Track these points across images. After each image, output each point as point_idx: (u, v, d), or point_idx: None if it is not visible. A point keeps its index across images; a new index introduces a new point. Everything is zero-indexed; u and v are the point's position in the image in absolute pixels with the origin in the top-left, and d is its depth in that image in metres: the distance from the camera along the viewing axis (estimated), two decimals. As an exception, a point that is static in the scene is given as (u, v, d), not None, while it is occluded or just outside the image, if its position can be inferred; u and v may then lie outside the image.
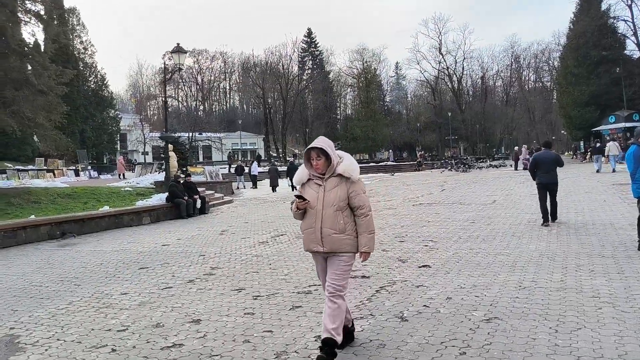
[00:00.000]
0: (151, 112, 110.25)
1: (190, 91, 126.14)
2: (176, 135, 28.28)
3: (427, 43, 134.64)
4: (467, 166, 38.39)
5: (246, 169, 30.84)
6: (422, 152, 71.15)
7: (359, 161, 66.09)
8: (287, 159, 78.15)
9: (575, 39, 42.51)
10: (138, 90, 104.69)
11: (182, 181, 16.12)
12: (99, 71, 42.61)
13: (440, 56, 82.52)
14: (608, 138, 36.68)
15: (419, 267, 6.96)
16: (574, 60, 42.71)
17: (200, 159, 67.56)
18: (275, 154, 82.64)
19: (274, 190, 28.12)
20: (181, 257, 8.48)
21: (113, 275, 7.32)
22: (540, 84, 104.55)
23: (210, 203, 18.54)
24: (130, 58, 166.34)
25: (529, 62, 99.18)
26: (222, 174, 29.91)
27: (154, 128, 64.04)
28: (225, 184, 24.92)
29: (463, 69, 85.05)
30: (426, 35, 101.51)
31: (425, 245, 8.50)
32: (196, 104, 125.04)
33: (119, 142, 51.66)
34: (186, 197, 15.36)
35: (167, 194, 15.40)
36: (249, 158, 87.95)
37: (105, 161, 43.65)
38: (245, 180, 30.82)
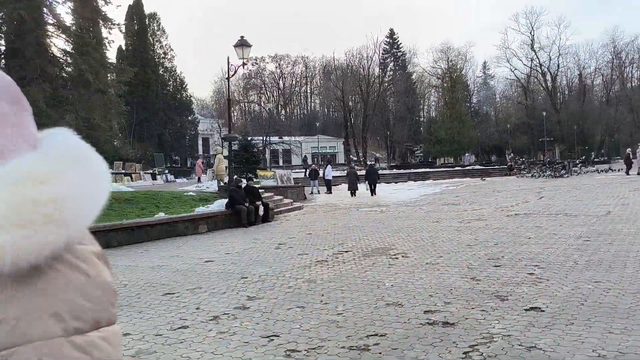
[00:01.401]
0: (235, 118, 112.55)
1: (272, 96, 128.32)
2: (248, 138, 27.32)
3: (518, 39, 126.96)
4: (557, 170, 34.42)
5: (320, 173, 29.39)
6: (512, 154, 66.30)
7: (443, 165, 62.75)
8: (368, 162, 76.37)
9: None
10: (222, 96, 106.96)
11: (243, 185, 14.82)
12: (177, 75, 43.17)
13: (533, 53, 77.08)
14: None
15: (526, 309, 4.95)
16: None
17: (281, 163, 67.42)
18: (355, 158, 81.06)
19: (352, 194, 26.45)
20: (219, 280, 6.98)
21: (128, 303, 5.92)
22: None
23: (277, 209, 17.17)
24: (216, 65, 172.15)
25: (632, 58, 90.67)
26: (294, 178, 28.71)
27: (236, 132, 64.42)
28: (296, 188, 23.57)
29: (558, 66, 78.90)
30: (517, 30, 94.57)
31: (531, 274, 6.41)
32: (278, 108, 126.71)
33: (201, 145, 52.35)
34: (247, 204, 14.03)
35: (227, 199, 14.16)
36: (321, 162, 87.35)
37: (188, 164, 44.09)
38: (320, 184, 29.39)
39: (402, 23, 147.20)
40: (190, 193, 16.57)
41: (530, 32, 76.73)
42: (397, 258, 8.00)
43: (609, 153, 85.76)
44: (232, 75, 16.30)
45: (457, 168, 45.41)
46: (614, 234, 9.19)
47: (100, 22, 15.15)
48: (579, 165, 38.04)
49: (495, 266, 7.02)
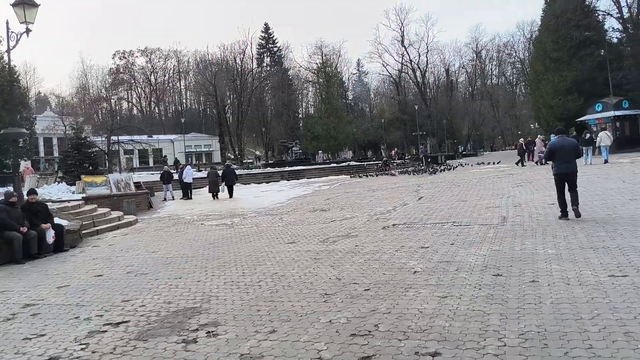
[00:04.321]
0: (101, 116, 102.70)
1: (144, 92, 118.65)
2: (82, 135, 22.24)
3: (389, 35, 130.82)
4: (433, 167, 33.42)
5: (176, 176, 25.02)
6: (396, 149, 66.09)
7: (325, 162, 60.72)
8: (245, 161, 72.16)
9: (553, 19, 38.01)
10: (88, 93, 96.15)
11: (18, 203, 10.29)
12: (7, 63, 35.61)
13: (403, 49, 78.02)
14: (595, 128, 32.48)
15: None
16: (553, 43, 38.14)
17: (137, 165, 60.77)
18: (232, 156, 76.43)
19: (214, 197, 23.05)
20: None
21: None
22: (503, 78, 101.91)
23: (91, 229, 12.84)
24: (74, 57, 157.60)
25: (491, 56, 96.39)
26: (143, 183, 24.12)
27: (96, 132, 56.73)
28: (137, 197, 19.14)
29: (427, 62, 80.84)
30: (387, 27, 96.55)
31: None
32: (150, 105, 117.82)
33: (42, 146, 44.78)
34: (25, 229, 9.64)
35: None
36: (195, 161, 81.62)
37: (21, 169, 36.74)
38: (178, 189, 25.03)
39: (277, 18, 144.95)
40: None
41: (400, 28, 77.64)
42: (196, 341, 4.43)
43: (475, 146, 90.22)
44: (14, 47, 11.64)
45: (332, 165, 43.09)
46: (528, 258, 6.46)
47: None
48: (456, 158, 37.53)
49: (362, 346, 3.74)
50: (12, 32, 11.54)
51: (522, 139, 32.42)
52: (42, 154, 52.61)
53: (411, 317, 4.58)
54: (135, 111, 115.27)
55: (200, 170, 38.87)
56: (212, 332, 4.61)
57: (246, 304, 5.44)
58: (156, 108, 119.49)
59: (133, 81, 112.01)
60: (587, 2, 39.20)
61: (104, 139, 38.22)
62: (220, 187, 22.85)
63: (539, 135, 31.97)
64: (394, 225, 10.42)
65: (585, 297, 4.74)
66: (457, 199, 14.34)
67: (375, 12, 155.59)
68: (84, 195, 17.45)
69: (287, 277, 6.56)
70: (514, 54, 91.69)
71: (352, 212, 13.47)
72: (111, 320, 5.23)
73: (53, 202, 16.67)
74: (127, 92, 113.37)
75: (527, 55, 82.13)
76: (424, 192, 17.24)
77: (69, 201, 15.70)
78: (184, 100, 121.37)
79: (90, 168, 24.12)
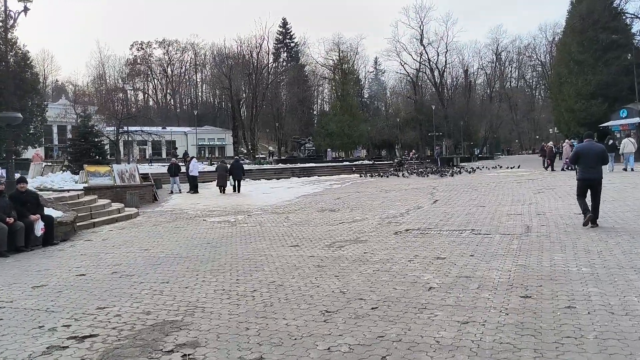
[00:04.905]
0: (117, 107, 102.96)
1: (160, 84, 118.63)
2: (89, 123, 21.72)
3: (408, 33, 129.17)
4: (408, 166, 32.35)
5: (183, 169, 24.43)
6: (414, 150, 64.64)
7: (334, 159, 59.94)
8: (257, 156, 71.47)
9: (579, 21, 36.75)
10: (104, 82, 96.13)
11: (10, 192, 9.70)
12: (19, 48, 35.34)
13: (422, 47, 76.75)
14: (618, 135, 31.32)
15: None
16: (578, 45, 36.87)
17: (149, 156, 60.34)
18: (245, 150, 75.84)
19: (222, 191, 22.75)
20: None
21: None
22: (523, 81, 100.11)
23: (88, 220, 12.24)
24: (91, 45, 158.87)
25: (511, 58, 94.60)
26: (151, 174, 23.59)
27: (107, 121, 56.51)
28: (141, 188, 18.54)
29: (445, 62, 79.50)
30: (407, 24, 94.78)
31: None
32: (166, 97, 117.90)
33: (56, 134, 44.52)
34: (12, 219, 9.03)
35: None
36: (208, 155, 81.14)
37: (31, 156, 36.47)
38: (185, 181, 24.43)
39: (295, 11, 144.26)
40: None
41: (420, 27, 76.40)
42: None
43: (491, 149, 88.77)
44: (13, 25, 11.09)
45: (345, 163, 42.25)
46: (560, 277, 5.67)
47: None
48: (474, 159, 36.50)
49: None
50: (10, 10, 10.93)
51: (551, 142, 31.04)
52: (55, 142, 52.49)
53: (426, 348, 3.82)
54: (151, 102, 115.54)
55: (213, 164, 38.32)
56: (188, 355, 3.89)
57: (234, 320, 4.71)
58: (171, 100, 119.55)
59: (150, 72, 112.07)
60: (614, 4, 37.90)
61: (114, 128, 37.78)
62: (228, 182, 22.60)
63: (566, 140, 30.75)
64: (406, 230, 9.65)
65: (636, 332, 3.95)
66: (475, 204, 13.51)
67: (395, 9, 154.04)
68: (85, 185, 16.89)
69: (285, 287, 5.83)
70: (535, 56, 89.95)
71: (362, 214, 12.71)
72: (78, 332, 4.54)
73: (54, 191, 16.15)
74: (144, 83, 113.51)
75: (549, 58, 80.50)
76: (439, 195, 16.42)
77: (68, 191, 15.15)
78: (199, 93, 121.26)
79: (99, 157, 23.59)
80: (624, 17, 39.09)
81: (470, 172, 29.93)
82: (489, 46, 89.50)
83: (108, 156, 27.69)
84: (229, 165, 23.82)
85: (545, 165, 27.28)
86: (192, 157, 28.32)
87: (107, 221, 12.91)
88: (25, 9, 10.74)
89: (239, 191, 22.73)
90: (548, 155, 27.53)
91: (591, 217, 8.74)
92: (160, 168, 33.15)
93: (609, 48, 35.83)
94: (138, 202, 16.83)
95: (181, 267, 7.19)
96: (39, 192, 11.09)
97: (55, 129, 46.05)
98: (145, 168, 35.22)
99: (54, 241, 9.74)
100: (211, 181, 26.12)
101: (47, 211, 10.58)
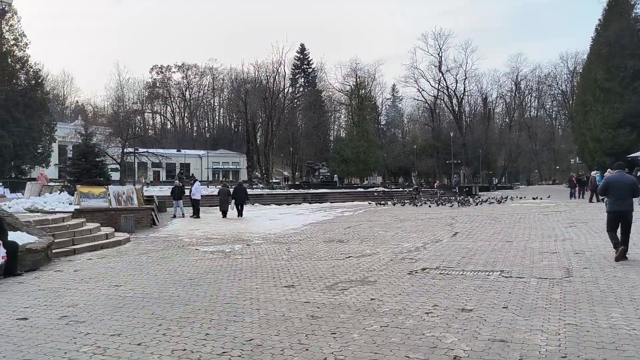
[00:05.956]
0: (136, 130, 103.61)
1: (178, 107, 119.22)
2: (90, 142, 20.79)
3: (426, 60, 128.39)
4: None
5: (187, 192, 23.27)
6: (438, 182, 61.15)
7: (349, 185, 58.48)
8: (271, 180, 70.37)
9: (605, 47, 35.34)
10: (123, 105, 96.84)
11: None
12: (31, 67, 34.98)
13: (440, 74, 75.91)
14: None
15: None
16: (605, 72, 35.39)
17: (164, 178, 59.61)
18: (259, 175, 74.91)
19: (224, 215, 21.86)
20: None
21: None
22: (543, 110, 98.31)
23: (66, 247, 11.03)
24: (110, 67, 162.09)
25: (531, 87, 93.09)
26: (156, 196, 22.52)
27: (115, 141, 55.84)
28: (140, 211, 17.39)
29: (464, 89, 78.37)
30: (425, 51, 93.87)
31: None
32: (183, 120, 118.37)
33: (71, 153, 43.77)
34: (-34, 246, 7.84)
35: None
36: (222, 178, 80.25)
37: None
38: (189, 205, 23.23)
39: (312, 38, 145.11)
40: None
41: (439, 54, 75.78)
42: None
43: (510, 179, 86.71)
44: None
45: (359, 190, 40.85)
46: (628, 346, 4.24)
47: None
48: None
49: None
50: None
51: (594, 172, 28.36)
52: (68, 162, 51.86)
53: None
54: (169, 125, 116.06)
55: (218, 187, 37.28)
56: None
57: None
58: (189, 123, 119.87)
59: (168, 96, 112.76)
60: (641, 30, 36.45)
61: (126, 150, 37.00)
62: (230, 205, 21.58)
63: (598, 170, 28.79)
64: (423, 269, 8.23)
65: None
66: (501, 238, 12.03)
67: (413, 35, 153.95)
68: (77, 207, 15.79)
69: (263, 349, 4.46)
70: (556, 85, 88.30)
71: (373, 247, 11.31)
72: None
73: (43, 212, 15.10)
74: (162, 107, 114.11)
75: (570, 87, 78.85)
76: (460, 227, 14.95)
77: (55, 213, 14.05)
78: (216, 117, 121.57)
79: (100, 178, 22.62)
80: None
81: (500, 202, 28.14)
82: (508, 75, 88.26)
83: (110, 177, 26.71)
84: (231, 190, 23.00)
85: (577, 195, 26.01)
86: (196, 180, 27.21)
87: (91, 247, 11.69)
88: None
89: (240, 215, 21.75)
90: (591, 185, 24.72)
91: (624, 249, 8.32)
92: (168, 191, 32.12)
93: (638, 75, 34.28)
94: (133, 226, 15.63)
95: (145, 313, 5.87)
96: (3, 214, 9.91)
97: (70, 148, 45.39)
98: (154, 190, 34.28)
99: (16, 271, 8.51)
100: (216, 205, 25.04)
101: (18, 236, 9.42)
